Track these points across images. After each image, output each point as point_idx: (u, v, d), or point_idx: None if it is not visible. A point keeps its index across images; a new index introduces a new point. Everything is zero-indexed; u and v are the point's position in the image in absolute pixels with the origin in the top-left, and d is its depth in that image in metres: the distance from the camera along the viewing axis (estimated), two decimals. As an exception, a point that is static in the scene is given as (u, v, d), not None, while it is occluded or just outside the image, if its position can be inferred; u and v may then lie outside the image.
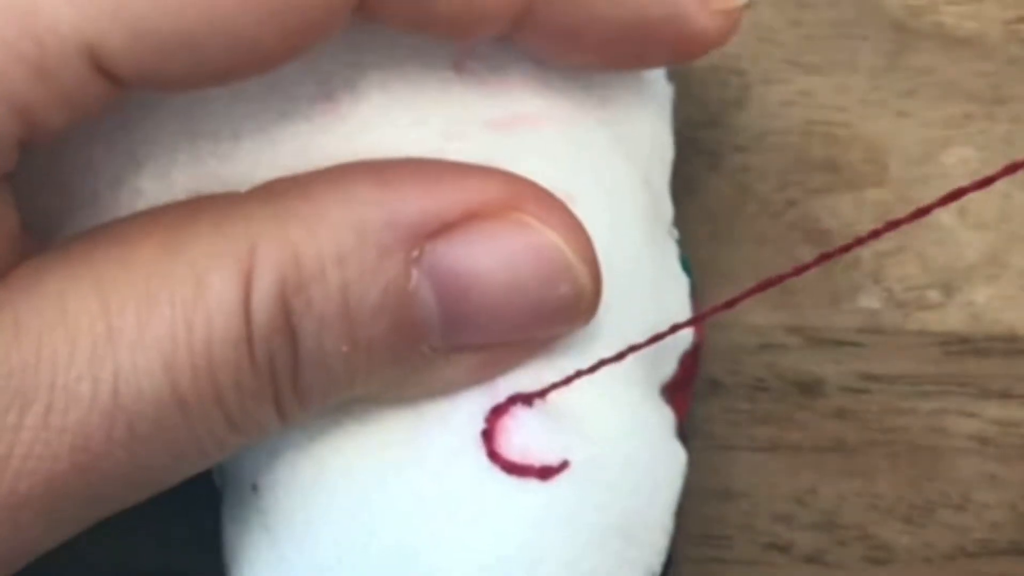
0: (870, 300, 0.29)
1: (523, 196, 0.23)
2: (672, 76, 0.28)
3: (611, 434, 0.25)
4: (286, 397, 0.22)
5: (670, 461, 0.26)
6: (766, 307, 0.29)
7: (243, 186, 0.24)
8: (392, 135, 0.24)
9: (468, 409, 0.24)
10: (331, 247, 0.22)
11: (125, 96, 0.22)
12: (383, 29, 0.23)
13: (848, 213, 0.29)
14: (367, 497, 0.24)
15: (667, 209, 0.27)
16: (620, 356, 0.24)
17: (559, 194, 0.24)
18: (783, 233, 0.29)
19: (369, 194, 0.23)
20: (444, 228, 0.23)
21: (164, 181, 0.24)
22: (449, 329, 0.23)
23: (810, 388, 0.29)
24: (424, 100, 0.24)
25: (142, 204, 0.24)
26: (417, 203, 0.23)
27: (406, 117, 0.24)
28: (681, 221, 0.29)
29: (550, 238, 0.23)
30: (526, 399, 0.24)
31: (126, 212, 0.24)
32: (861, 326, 0.29)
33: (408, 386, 0.24)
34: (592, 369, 0.24)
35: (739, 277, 0.29)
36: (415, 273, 0.23)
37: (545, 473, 0.24)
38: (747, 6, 0.25)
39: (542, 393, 0.24)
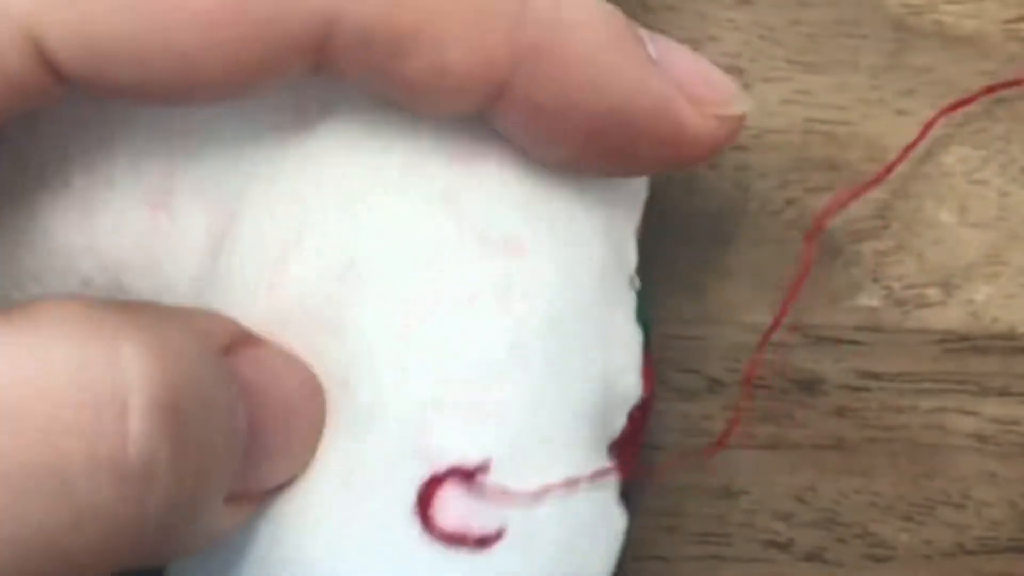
0: (870, 298, 0.29)
1: (250, 332, 0.24)
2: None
3: (550, 505, 0.24)
4: (160, 486, 0.20)
5: (609, 526, 0.26)
6: (766, 305, 0.29)
7: (211, 188, 0.24)
8: (356, 162, 0.24)
9: (403, 475, 0.24)
10: (184, 344, 0.21)
11: (73, 94, 0.21)
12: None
13: (848, 212, 0.29)
14: (289, 554, 0.24)
15: (630, 258, 0.26)
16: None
17: (509, 243, 0.24)
18: (782, 232, 0.29)
19: (179, 313, 0.23)
20: (230, 348, 0.23)
21: (136, 171, 0.24)
22: (250, 449, 0.22)
23: (810, 386, 0.29)
24: (391, 124, 0.24)
25: (114, 194, 0.24)
26: (211, 324, 0.23)
27: (372, 142, 0.24)
28: (681, 221, 0.29)
29: (297, 357, 0.24)
30: (467, 474, 0.24)
31: (99, 201, 0.24)
32: (861, 324, 0.29)
33: (184, 542, 0.22)
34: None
35: (738, 276, 0.29)
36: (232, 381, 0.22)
37: (481, 543, 0.24)
38: (743, 115, 0.24)
39: (483, 468, 0.24)
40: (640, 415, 0.26)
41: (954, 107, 0.29)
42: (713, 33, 0.30)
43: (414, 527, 0.24)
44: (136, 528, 0.20)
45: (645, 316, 0.26)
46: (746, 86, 0.30)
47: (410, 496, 0.24)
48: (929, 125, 0.29)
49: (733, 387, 0.29)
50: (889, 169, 0.29)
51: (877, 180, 0.29)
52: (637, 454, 0.27)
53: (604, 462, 0.26)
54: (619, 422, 0.26)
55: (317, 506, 0.24)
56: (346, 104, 0.24)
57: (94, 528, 0.19)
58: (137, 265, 0.24)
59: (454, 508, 0.24)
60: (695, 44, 0.30)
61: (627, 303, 0.26)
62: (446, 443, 0.24)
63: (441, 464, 0.24)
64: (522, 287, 0.24)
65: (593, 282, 0.25)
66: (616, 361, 0.25)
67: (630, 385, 0.26)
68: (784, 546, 0.29)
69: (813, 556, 0.29)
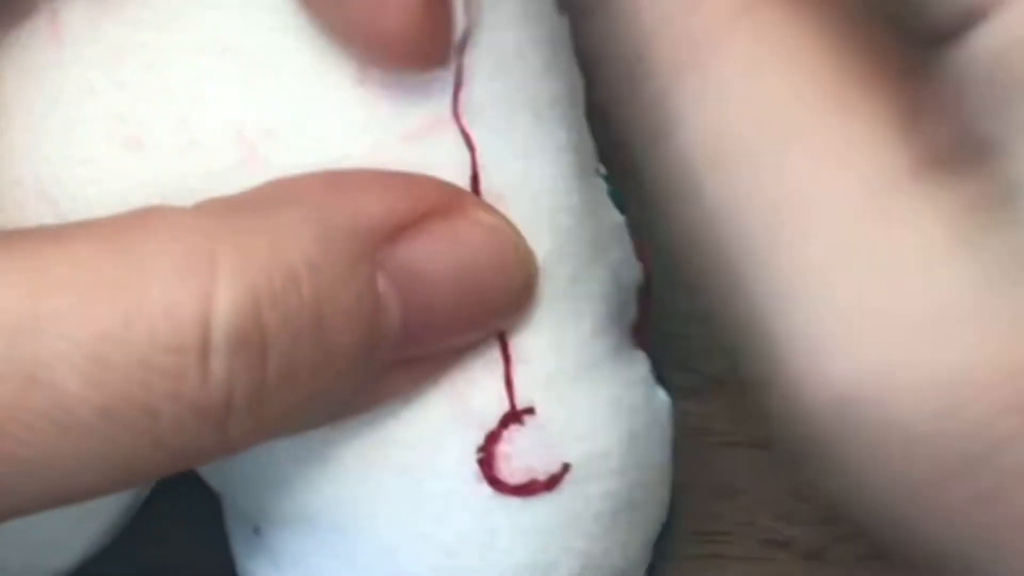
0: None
1: (467, 197, 0.24)
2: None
3: (602, 422, 0.25)
4: (239, 418, 0.21)
5: (658, 413, 0.26)
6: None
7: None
8: None
9: (457, 446, 0.24)
10: (301, 260, 0.21)
11: None
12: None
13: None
14: (371, 545, 0.25)
15: (588, 145, 0.26)
16: None
17: (488, 196, 0.24)
18: (784, 230, 0.29)
19: (325, 203, 0.22)
20: (402, 231, 0.23)
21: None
22: (408, 334, 0.23)
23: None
24: (337, 132, 0.24)
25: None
26: (374, 208, 0.23)
27: (323, 155, 0.24)
28: (682, 218, 0.29)
29: (503, 229, 0.24)
30: (516, 418, 0.24)
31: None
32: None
33: (351, 406, 0.24)
34: None
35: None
36: (381, 277, 0.22)
37: (551, 483, 0.24)
38: None
39: (530, 409, 0.24)
40: (646, 296, 0.27)
41: None
42: (713, 32, 0.30)
43: (484, 490, 0.24)
44: (219, 448, 0.21)
45: (618, 196, 0.26)
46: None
47: (471, 463, 0.24)
48: None
49: (734, 386, 0.29)
50: None
51: None
52: (649, 331, 0.27)
53: (631, 353, 0.26)
54: (632, 310, 0.26)
55: (383, 497, 0.24)
56: (290, 127, 0.24)
57: (174, 453, 0.21)
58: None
59: (516, 460, 0.24)
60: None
61: (603, 197, 0.26)
62: (486, 403, 0.24)
63: (490, 423, 0.24)
64: None
65: (573, 197, 0.25)
66: (614, 259, 0.26)
67: (632, 273, 0.26)
68: (784, 544, 0.29)
69: (813, 555, 0.29)
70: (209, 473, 0.26)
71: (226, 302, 0.21)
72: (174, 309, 0.20)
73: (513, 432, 0.24)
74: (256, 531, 0.26)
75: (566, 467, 0.24)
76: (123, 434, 0.20)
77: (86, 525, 0.27)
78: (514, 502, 0.24)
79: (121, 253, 0.21)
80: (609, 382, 0.25)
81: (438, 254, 0.23)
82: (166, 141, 0.24)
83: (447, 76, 0.24)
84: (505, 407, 0.24)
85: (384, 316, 0.22)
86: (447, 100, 0.24)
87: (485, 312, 0.24)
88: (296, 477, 0.25)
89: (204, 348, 0.20)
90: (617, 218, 0.26)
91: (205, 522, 0.28)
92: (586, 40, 0.26)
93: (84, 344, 0.20)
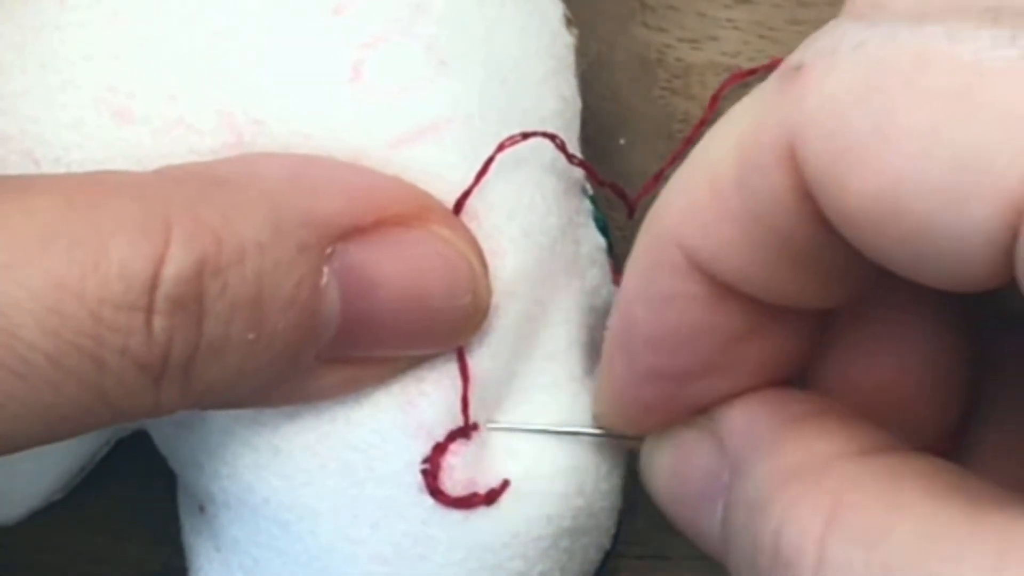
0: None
1: (434, 209, 0.24)
2: (671, 73, 0.28)
3: (545, 446, 0.25)
4: (172, 379, 0.22)
5: (612, 441, 0.26)
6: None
7: None
8: None
9: (403, 455, 0.24)
10: (250, 238, 0.22)
11: None
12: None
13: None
14: (308, 543, 0.25)
15: (577, 172, 0.26)
16: None
17: (466, 213, 0.24)
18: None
19: (287, 190, 0.23)
20: (357, 232, 0.23)
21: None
22: (345, 333, 0.23)
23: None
24: (325, 129, 0.24)
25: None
26: (333, 205, 0.23)
27: (309, 150, 0.24)
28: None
29: (460, 249, 0.24)
30: (464, 433, 0.25)
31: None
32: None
33: (281, 393, 0.24)
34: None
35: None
36: (326, 271, 0.23)
37: (490, 497, 0.24)
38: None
39: (475, 425, 0.25)
40: None
41: (742, 76, 0.30)
42: (713, 33, 0.30)
43: (424, 502, 0.24)
44: (151, 408, 0.22)
45: (602, 220, 0.26)
46: (746, 85, 0.30)
47: (414, 473, 0.24)
48: (716, 98, 0.29)
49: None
50: (688, 143, 0.29)
51: (676, 157, 0.29)
52: None
53: (593, 378, 0.26)
54: (604, 334, 0.26)
55: (325, 495, 0.25)
56: (277, 119, 0.24)
57: (115, 408, 0.22)
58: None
59: (459, 473, 0.24)
60: (695, 44, 0.30)
61: (586, 219, 0.26)
62: (436, 415, 0.24)
63: (437, 435, 0.24)
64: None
65: (552, 216, 0.25)
66: (589, 283, 0.26)
67: (607, 297, 0.26)
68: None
69: (813, 555, 0.29)
70: (165, 447, 0.27)
71: (176, 266, 0.21)
72: (128, 268, 0.21)
73: (460, 446, 0.24)
74: (201, 509, 0.26)
75: (506, 482, 0.25)
76: (71, 384, 0.21)
77: (33, 478, 0.27)
78: (453, 516, 0.24)
79: (80, 210, 0.21)
80: (560, 408, 0.25)
81: (387, 259, 0.23)
82: (154, 116, 0.24)
83: (443, 83, 0.24)
84: (456, 421, 0.24)
85: (322, 308, 0.23)
86: (439, 108, 0.24)
87: (427, 325, 0.24)
88: (246, 462, 0.25)
89: (151, 307, 0.21)
90: (598, 241, 0.26)
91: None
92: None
93: (40, 293, 0.21)
